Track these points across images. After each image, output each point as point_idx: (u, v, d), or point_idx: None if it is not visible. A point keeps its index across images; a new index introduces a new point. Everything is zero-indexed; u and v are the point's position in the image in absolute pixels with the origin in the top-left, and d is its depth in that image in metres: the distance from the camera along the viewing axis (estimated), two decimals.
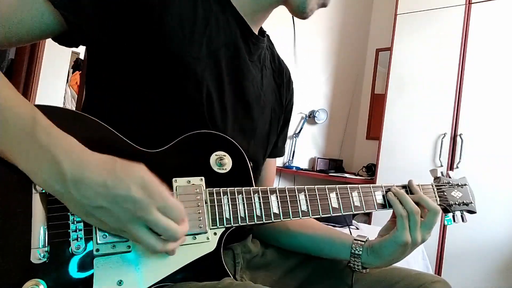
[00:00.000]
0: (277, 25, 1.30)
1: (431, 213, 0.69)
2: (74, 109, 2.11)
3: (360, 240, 0.73)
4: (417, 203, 0.69)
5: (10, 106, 0.46)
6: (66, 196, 0.46)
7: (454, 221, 0.80)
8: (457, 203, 0.80)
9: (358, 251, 0.72)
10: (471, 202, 0.82)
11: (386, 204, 0.72)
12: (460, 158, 2.30)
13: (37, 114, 0.47)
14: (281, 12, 0.76)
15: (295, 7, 0.69)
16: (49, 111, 0.49)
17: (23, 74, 1.91)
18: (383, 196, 0.72)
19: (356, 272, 0.73)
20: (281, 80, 0.83)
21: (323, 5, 0.72)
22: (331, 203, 0.67)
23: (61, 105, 2.10)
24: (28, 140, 0.45)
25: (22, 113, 0.46)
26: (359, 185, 0.71)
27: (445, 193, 0.80)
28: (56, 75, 2.07)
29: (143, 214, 0.46)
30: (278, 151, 0.87)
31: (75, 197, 0.45)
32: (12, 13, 0.53)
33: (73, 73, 2.25)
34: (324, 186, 0.68)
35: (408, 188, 0.75)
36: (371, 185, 0.72)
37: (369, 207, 0.71)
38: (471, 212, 0.82)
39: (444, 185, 0.81)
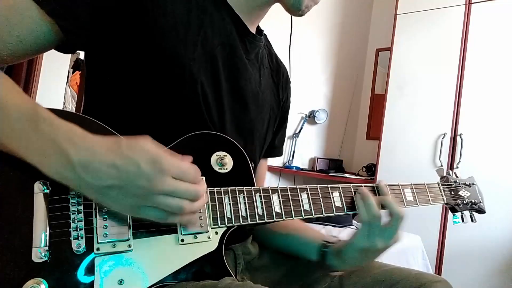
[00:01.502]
0: (275, 23, 1.30)
1: (394, 218, 0.65)
2: (74, 109, 2.11)
3: (329, 242, 0.71)
4: (382, 207, 0.66)
5: (12, 102, 0.47)
6: (78, 181, 0.46)
7: (463, 221, 0.78)
8: (465, 202, 0.79)
9: (324, 253, 0.70)
10: (480, 202, 0.81)
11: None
12: (460, 158, 2.30)
13: (39, 107, 0.48)
14: (280, 11, 0.75)
15: (290, 4, 0.69)
16: None
17: (23, 74, 1.90)
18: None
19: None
20: (278, 79, 0.83)
21: (315, 1, 0.71)
22: (334, 202, 0.67)
23: (61, 105, 2.10)
24: (32, 132, 0.46)
25: (25, 108, 0.47)
26: (363, 184, 0.70)
27: (452, 192, 0.79)
28: (56, 75, 2.07)
29: (158, 187, 0.46)
30: (276, 151, 0.87)
31: (87, 180, 0.45)
32: (7, 26, 0.51)
33: (73, 73, 2.24)
34: (326, 185, 0.67)
35: (376, 189, 0.70)
36: (375, 184, 0.71)
37: None
38: (480, 211, 0.81)
39: (451, 184, 0.80)
